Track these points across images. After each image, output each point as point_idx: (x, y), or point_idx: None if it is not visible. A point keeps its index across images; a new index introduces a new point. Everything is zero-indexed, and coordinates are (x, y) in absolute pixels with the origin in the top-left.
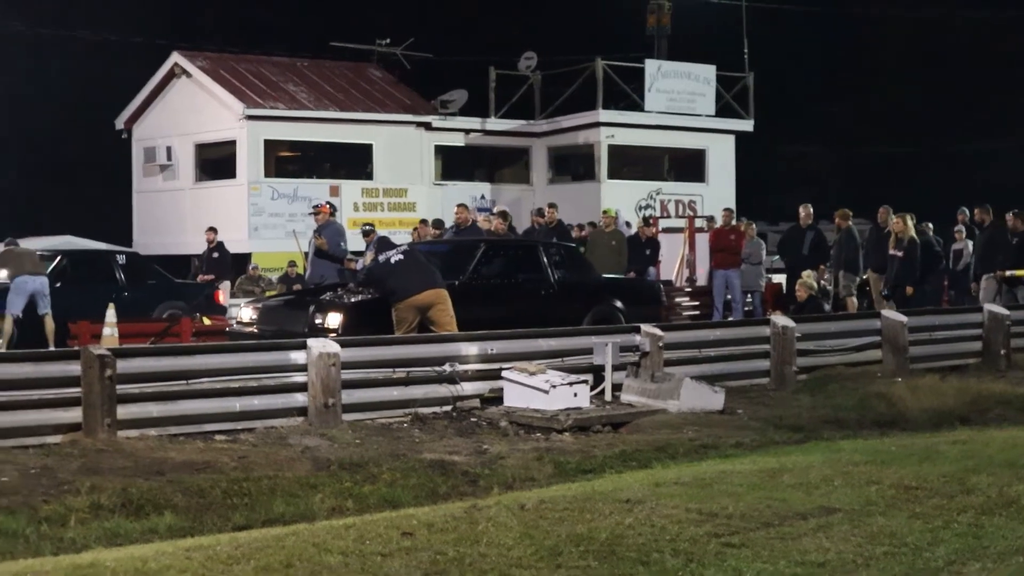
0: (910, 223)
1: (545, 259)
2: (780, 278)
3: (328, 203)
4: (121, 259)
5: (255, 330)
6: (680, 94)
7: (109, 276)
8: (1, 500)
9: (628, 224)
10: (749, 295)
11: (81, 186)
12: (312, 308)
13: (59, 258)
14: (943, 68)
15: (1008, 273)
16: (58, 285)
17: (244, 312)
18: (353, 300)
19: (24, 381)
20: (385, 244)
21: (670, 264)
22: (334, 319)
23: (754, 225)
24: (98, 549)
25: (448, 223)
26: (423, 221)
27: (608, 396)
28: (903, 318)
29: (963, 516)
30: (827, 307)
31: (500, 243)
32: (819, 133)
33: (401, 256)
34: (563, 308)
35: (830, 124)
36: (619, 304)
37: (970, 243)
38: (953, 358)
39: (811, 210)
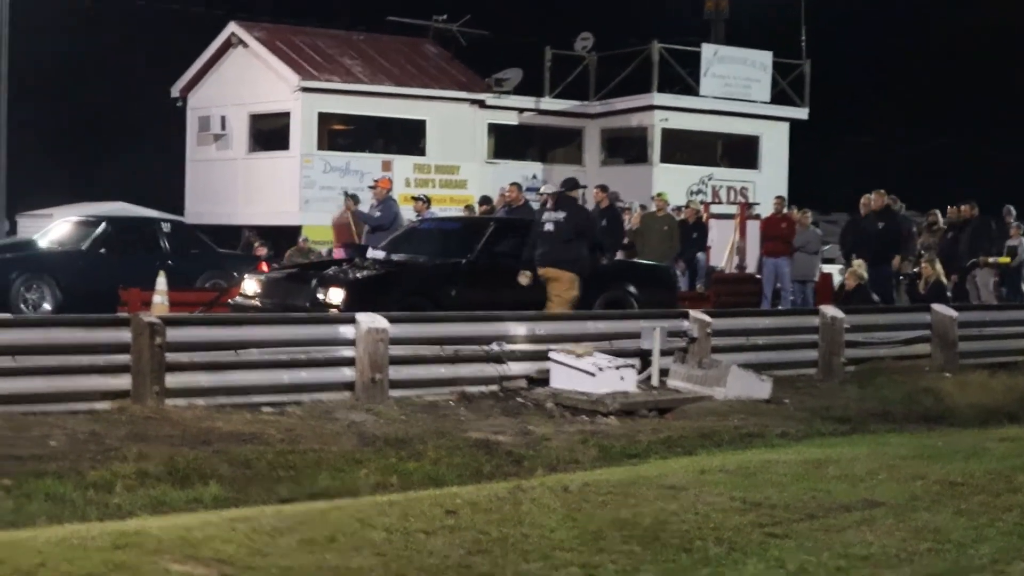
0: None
1: None
2: (830, 268)
3: (389, 178)
4: (166, 227)
5: (257, 303)
6: (736, 80)
7: (153, 244)
8: (49, 465)
9: (678, 209)
10: (798, 284)
11: (137, 154)
12: (314, 282)
13: (103, 225)
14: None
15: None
16: (102, 252)
17: (248, 285)
18: (356, 275)
19: (75, 346)
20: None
21: (720, 250)
22: (336, 294)
23: (810, 214)
24: (143, 516)
25: (496, 201)
26: (416, 198)
27: (655, 381)
28: (953, 313)
29: (1009, 514)
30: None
31: (510, 222)
32: (875, 123)
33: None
34: None
35: (886, 114)
36: (632, 289)
37: None
38: (1003, 355)
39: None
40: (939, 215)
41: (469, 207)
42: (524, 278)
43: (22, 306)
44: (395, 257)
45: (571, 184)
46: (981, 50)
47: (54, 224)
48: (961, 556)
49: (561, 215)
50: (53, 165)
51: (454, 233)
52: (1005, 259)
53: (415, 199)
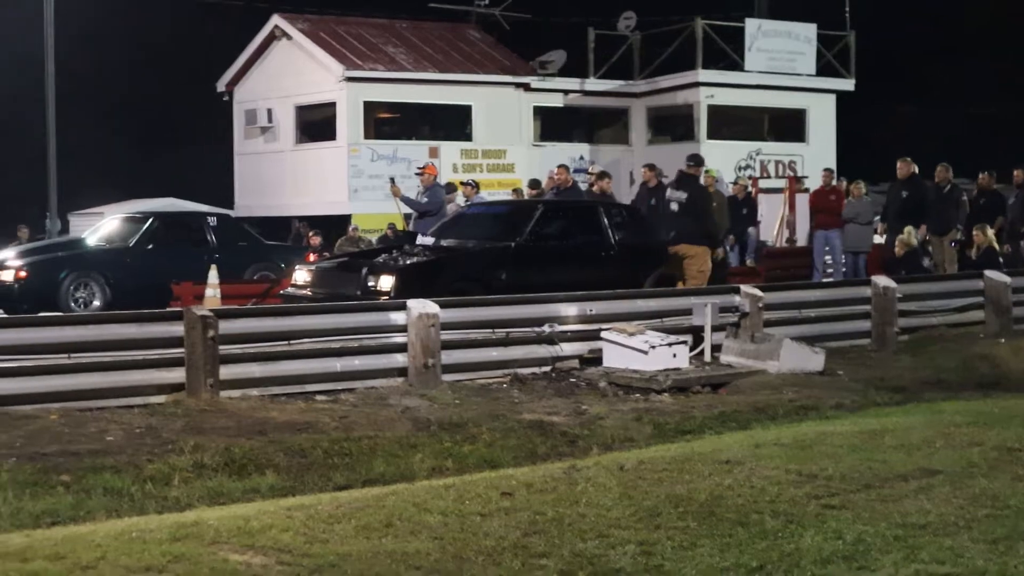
0: None
1: (605, 220)
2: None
3: (434, 164)
4: (212, 221)
5: (308, 293)
6: (780, 53)
7: (201, 238)
8: (107, 459)
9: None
10: (851, 255)
11: (186, 148)
12: (364, 271)
13: (150, 221)
14: None
15: None
16: (150, 248)
17: (299, 275)
18: (406, 263)
19: (129, 341)
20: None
21: (770, 225)
22: (386, 282)
23: (862, 184)
24: (201, 508)
25: (545, 184)
26: (464, 183)
27: (707, 357)
28: (1007, 279)
29: None
30: None
31: (559, 204)
32: (923, 91)
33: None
34: (623, 271)
35: (934, 81)
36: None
37: None
38: None
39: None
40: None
41: (517, 190)
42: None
43: (72, 304)
44: (444, 243)
45: (697, 161)
46: None
47: (102, 222)
48: (1020, 521)
49: (684, 194)
50: (103, 164)
51: (502, 217)
52: None
53: (463, 184)
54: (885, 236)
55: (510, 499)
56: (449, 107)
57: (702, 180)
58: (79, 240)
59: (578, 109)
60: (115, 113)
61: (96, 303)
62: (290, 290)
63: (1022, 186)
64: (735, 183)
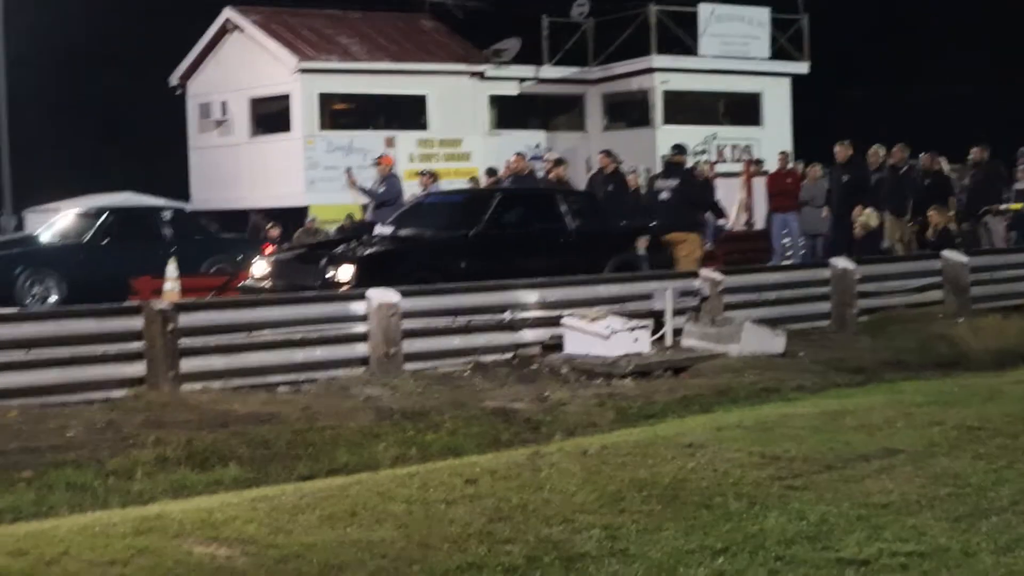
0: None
1: (563, 207)
2: None
3: (391, 155)
4: (167, 215)
5: (267, 285)
6: (734, 38)
7: (156, 233)
8: (69, 454)
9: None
10: (808, 238)
11: (141, 142)
12: (323, 261)
13: (106, 215)
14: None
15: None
16: (105, 243)
17: (257, 267)
18: (365, 252)
19: (87, 337)
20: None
21: (727, 209)
22: (346, 272)
23: (819, 167)
24: (165, 501)
25: (502, 172)
26: (422, 173)
27: (668, 341)
28: (964, 258)
29: None
30: None
31: (516, 192)
32: (877, 73)
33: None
34: (582, 257)
35: (888, 63)
36: (641, 252)
37: None
38: (1016, 298)
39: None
40: (944, 163)
41: (474, 179)
42: (642, 244)
43: (28, 300)
44: (402, 232)
45: (678, 150)
46: None
47: (56, 217)
48: (981, 499)
49: (674, 182)
50: (58, 159)
51: (460, 206)
52: (1017, 205)
53: (421, 174)
54: (829, 219)
55: (474, 486)
56: (404, 97)
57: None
58: (33, 236)
59: (533, 97)
60: (69, 108)
61: (53, 299)
62: (248, 282)
63: (979, 165)
64: (694, 169)
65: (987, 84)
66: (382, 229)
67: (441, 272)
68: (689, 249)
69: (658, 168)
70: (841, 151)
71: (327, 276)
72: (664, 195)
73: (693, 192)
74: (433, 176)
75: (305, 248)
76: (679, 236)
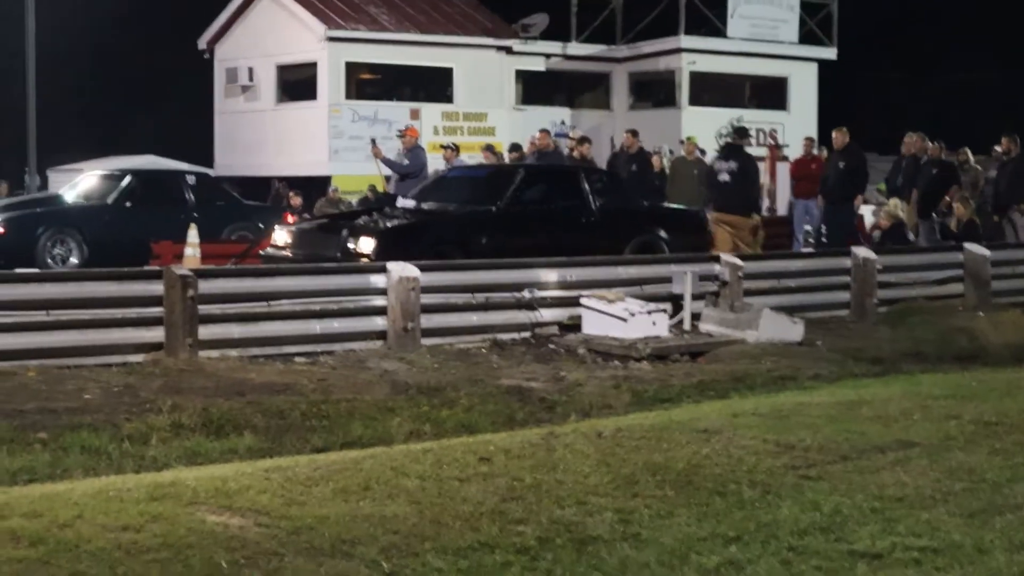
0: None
1: (586, 186)
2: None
3: (416, 127)
4: (191, 180)
5: (288, 254)
6: (763, 20)
7: (178, 197)
8: (85, 417)
9: (703, 152)
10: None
11: (167, 106)
12: (345, 232)
13: (128, 178)
14: None
15: None
16: (128, 205)
17: (279, 235)
18: (387, 225)
19: (108, 300)
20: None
21: None
22: (366, 244)
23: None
24: (179, 468)
25: (526, 148)
26: (445, 146)
27: (687, 325)
28: (986, 252)
29: None
30: None
31: (539, 168)
32: (905, 60)
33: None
34: (603, 237)
35: (916, 50)
36: (663, 233)
37: None
38: None
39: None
40: (969, 153)
41: (489, 147)
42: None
43: (49, 261)
44: (425, 206)
45: (742, 133)
46: None
47: (80, 178)
48: (996, 495)
49: (734, 164)
50: (83, 120)
51: (483, 180)
52: None
53: (443, 147)
54: (823, 207)
55: (488, 464)
56: (431, 69)
57: (683, 150)
58: (57, 196)
59: (560, 73)
60: (96, 69)
61: (73, 260)
62: (269, 251)
63: (1007, 157)
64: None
65: (1016, 70)
66: (404, 202)
67: (462, 247)
68: (744, 232)
69: (674, 149)
70: (838, 137)
71: (348, 247)
72: (723, 176)
73: (749, 175)
74: (456, 150)
75: (327, 218)
76: (733, 219)
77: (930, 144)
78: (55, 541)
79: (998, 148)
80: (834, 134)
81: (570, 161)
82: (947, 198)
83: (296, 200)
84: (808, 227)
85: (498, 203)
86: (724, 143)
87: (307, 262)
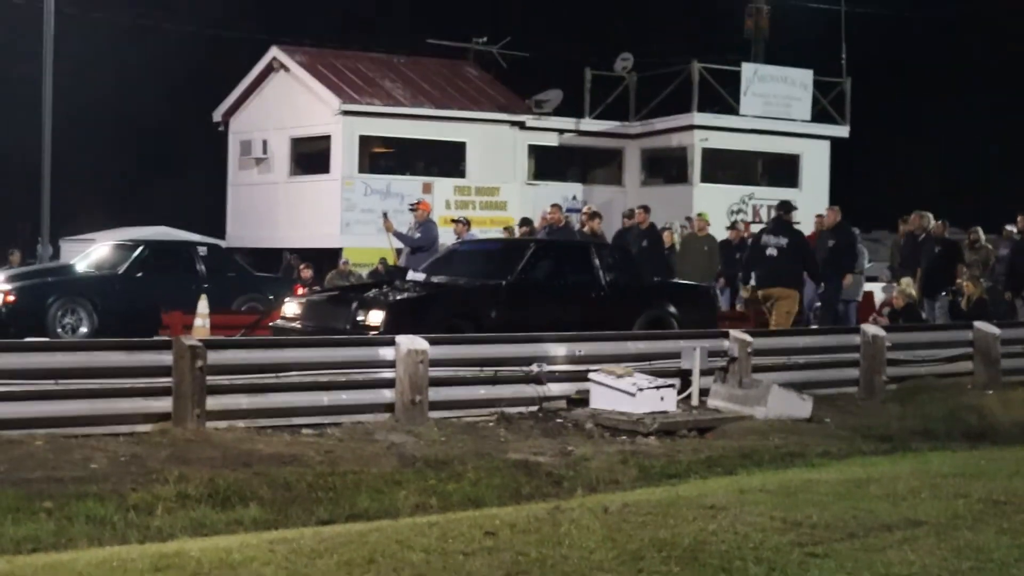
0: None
1: (596, 261)
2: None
3: (428, 201)
4: (202, 251)
5: (298, 325)
6: (776, 98)
7: (190, 268)
8: (91, 487)
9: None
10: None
11: (180, 178)
12: (355, 305)
13: (140, 249)
14: None
15: None
16: (139, 275)
17: (289, 307)
18: (396, 298)
19: (116, 369)
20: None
21: None
22: (376, 316)
23: (857, 232)
24: (184, 539)
25: (537, 223)
26: (456, 220)
27: (695, 401)
28: (996, 330)
29: None
30: None
31: (550, 243)
32: (917, 140)
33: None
34: (613, 311)
35: (929, 131)
36: (672, 309)
37: None
38: None
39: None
40: (980, 232)
41: (508, 228)
42: (746, 292)
43: (59, 330)
44: (435, 279)
45: (787, 208)
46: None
47: (92, 248)
48: (1003, 574)
49: (784, 240)
50: (97, 190)
51: (494, 254)
52: None
53: (455, 221)
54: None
55: (493, 538)
56: (444, 143)
57: (694, 226)
58: (68, 266)
59: (572, 149)
60: (111, 140)
61: (83, 329)
62: (280, 322)
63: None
64: (732, 228)
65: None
66: (415, 275)
67: (472, 321)
68: (788, 306)
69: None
70: (830, 215)
71: (357, 320)
72: (772, 251)
73: (804, 251)
74: (467, 224)
75: (337, 291)
76: (782, 292)
77: (932, 222)
78: None
79: (1009, 227)
80: (826, 211)
81: (581, 236)
82: (959, 280)
83: (307, 272)
84: (819, 303)
85: (508, 277)
86: (772, 219)
87: (317, 334)
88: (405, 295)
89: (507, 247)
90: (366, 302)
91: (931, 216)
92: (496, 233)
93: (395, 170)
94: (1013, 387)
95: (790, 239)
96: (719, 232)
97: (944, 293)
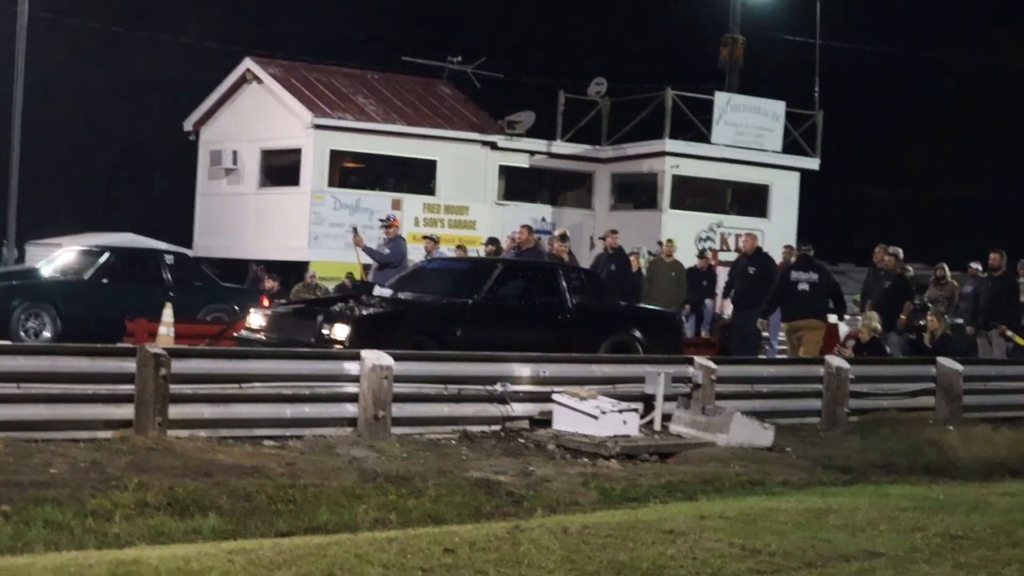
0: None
1: (564, 283)
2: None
3: (398, 217)
4: (169, 259)
5: (262, 337)
6: (748, 128)
7: (156, 276)
8: (50, 492)
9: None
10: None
11: (149, 186)
12: (320, 318)
13: (106, 255)
14: (1015, 114)
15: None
16: (104, 282)
17: (254, 319)
18: (362, 313)
19: (79, 375)
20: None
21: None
22: (341, 330)
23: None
24: (142, 546)
25: (504, 243)
26: (426, 237)
27: (657, 426)
28: (959, 366)
29: (1008, 569)
30: None
31: (518, 264)
32: (886, 175)
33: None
34: (579, 334)
35: (897, 166)
36: (638, 334)
37: None
38: (1008, 409)
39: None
40: (946, 268)
41: (461, 247)
42: (761, 326)
43: (22, 334)
44: (402, 295)
45: (809, 245)
46: (998, 100)
47: (58, 252)
48: None
49: (815, 276)
50: (65, 195)
51: (462, 273)
52: (1022, 341)
53: (425, 238)
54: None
55: (452, 556)
56: (415, 160)
57: (662, 252)
58: (33, 270)
59: (543, 171)
60: (81, 145)
61: (47, 334)
62: (244, 333)
63: (996, 272)
64: (701, 257)
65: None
66: (381, 291)
67: (437, 338)
68: (817, 336)
69: (650, 249)
70: (748, 242)
71: (323, 333)
72: (804, 286)
73: (832, 286)
74: (435, 241)
75: (303, 303)
76: (814, 323)
77: (886, 256)
78: None
79: (974, 264)
80: (745, 238)
81: (550, 258)
82: (902, 316)
83: (272, 284)
84: (782, 334)
85: (475, 296)
86: (801, 255)
87: (281, 346)
88: (371, 310)
89: (475, 266)
90: (332, 316)
91: (900, 251)
92: (472, 252)
93: (365, 185)
94: (974, 423)
95: (820, 275)
96: (687, 259)
97: (896, 331)
